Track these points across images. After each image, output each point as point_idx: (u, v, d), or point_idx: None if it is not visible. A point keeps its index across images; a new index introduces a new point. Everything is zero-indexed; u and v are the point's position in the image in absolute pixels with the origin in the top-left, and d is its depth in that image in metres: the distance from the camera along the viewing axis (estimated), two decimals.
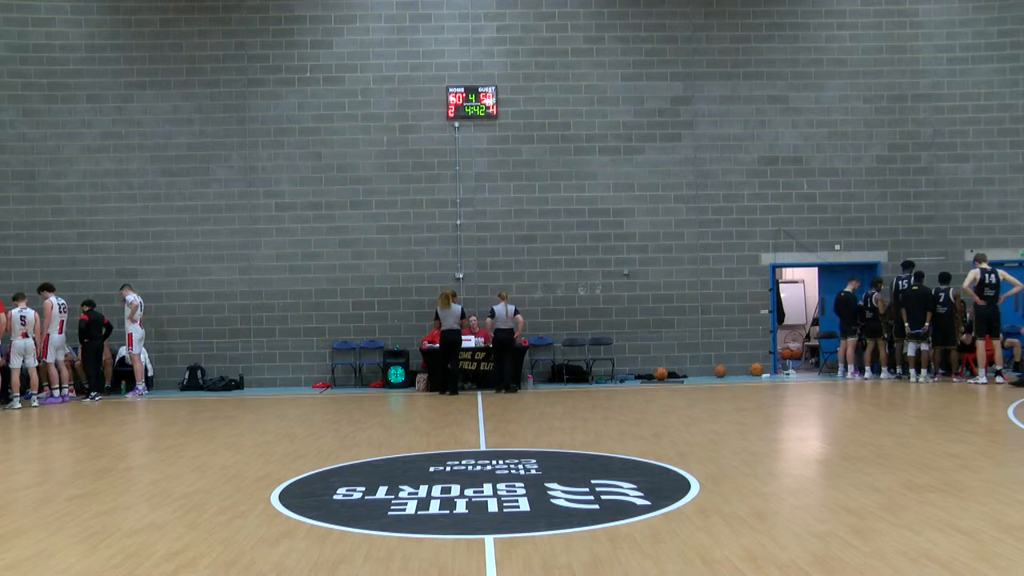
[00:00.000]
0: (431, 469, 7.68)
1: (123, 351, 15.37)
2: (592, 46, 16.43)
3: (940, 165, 16.62)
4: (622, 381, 15.82)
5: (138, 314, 14.94)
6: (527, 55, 16.39)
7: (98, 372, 14.76)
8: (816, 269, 17.43)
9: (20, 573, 4.91)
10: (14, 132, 16.19)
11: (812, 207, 16.52)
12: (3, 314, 13.41)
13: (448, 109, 16.26)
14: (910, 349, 14.85)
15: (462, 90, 16.27)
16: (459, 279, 16.24)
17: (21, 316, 13.54)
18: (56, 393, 14.19)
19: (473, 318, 15.53)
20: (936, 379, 14.63)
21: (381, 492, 6.75)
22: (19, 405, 13.30)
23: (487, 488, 6.80)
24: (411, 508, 6.22)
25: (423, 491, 6.73)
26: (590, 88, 16.41)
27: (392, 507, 6.26)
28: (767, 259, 16.51)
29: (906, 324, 14.74)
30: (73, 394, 14.80)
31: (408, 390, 15.32)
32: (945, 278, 14.80)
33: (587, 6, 16.46)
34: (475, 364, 15.11)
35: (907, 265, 15.51)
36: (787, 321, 18.86)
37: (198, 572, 4.84)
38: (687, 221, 16.45)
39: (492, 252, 16.33)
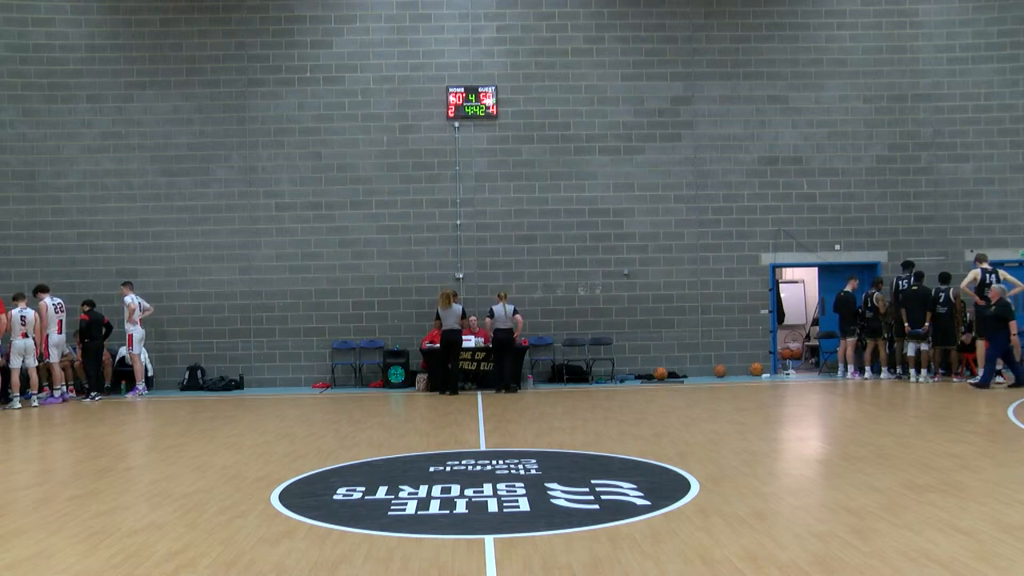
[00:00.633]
0: (431, 469, 7.68)
1: (123, 351, 15.37)
2: (592, 46, 16.43)
3: (940, 165, 16.62)
4: (622, 381, 15.82)
5: (137, 315, 14.93)
6: (527, 55, 16.39)
7: (98, 372, 14.76)
8: (816, 269, 17.43)
9: (20, 573, 4.91)
10: (14, 132, 16.19)
11: (812, 207, 16.52)
12: (3, 314, 13.41)
13: (448, 109, 16.26)
14: (910, 349, 14.85)
15: (462, 90, 16.27)
16: (459, 279, 16.24)
17: (21, 316, 13.53)
18: (56, 393, 14.19)
19: (473, 318, 15.52)
20: (936, 379, 14.63)
21: (381, 492, 6.75)
22: (19, 405, 13.29)
23: (487, 488, 6.80)
24: (411, 508, 6.22)
25: (423, 491, 6.73)
26: (590, 88, 16.41)
27: (392, 507, 6.26)
28: (767, 259, 16.51)
29: (906, 324, 14.74)
30: (73, 394, 14.81)
31: (408, 390, 15.32)
32: (945, 278, 14.80)
33: (587, 6, 16.46)
34: (475, 364, 15.11)
35: (907, 265, 15.52)
36: (787, 321, 18.85)
37: (198, 572, 4.84)
38: (687, 221, 16.45)
39: (492, 252, 16.33)
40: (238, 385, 15.89)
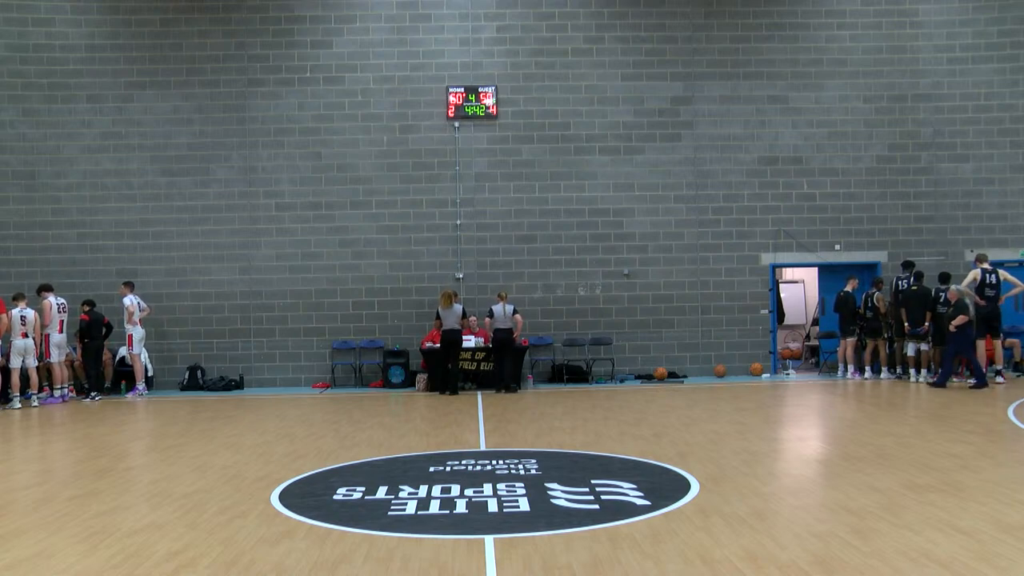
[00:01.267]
0: (431, 469, 7.68)
1: (123, 351, 15.37)
2: (592, 46, 16.43)
3: (940, 165, 16.62)
4: (622, 381, 15.82)
5: (137, 315, 14.93)
6: (527, 55, 16.39)
7: (98, 372, 14.76)
8: (816, 269, 17.43)
9: (20, 573, 4.91)
10: (14, 132, 16.19)
11: (812, 207, 16.52)
12: (4, 314, 13.41)
13: (448, 109, 16.26)
14: (910, 349, 14.85)
15: (462, 90, 16.27)
16: (459, 279, 16.24)
17: (21, 316, 13.53)
18: (56, 393, 14.19)
19: (473, 318, 15.52)
20: (936, 379, 14.60)
21: (381, 492, 6.75)
22: (19, 405, 13.29)
23: (487, 488, 6.80)
24: (411, 508, 6.22)
25: (423, 491, 6.73)
26: (590, 88, 16.41)
27: (392, 507, 6.26)
28: (767, 259, 16.51)
29: (906, 324, 14.74)
30: (73, 394, 14.81)
31: (408, 390, 15.32)
32: (945, 278, 14.79)
33: (587, 6, 16.46)
34: (475, 364, 15.11)
35: (907, 265, 15.51)
36: (787, 321, 18.85)
37: (198, 572, 4.84)
38: (687, 221, 16.45)
39: (492, 252, 16.33)
40: (238, 385, 15.89)
